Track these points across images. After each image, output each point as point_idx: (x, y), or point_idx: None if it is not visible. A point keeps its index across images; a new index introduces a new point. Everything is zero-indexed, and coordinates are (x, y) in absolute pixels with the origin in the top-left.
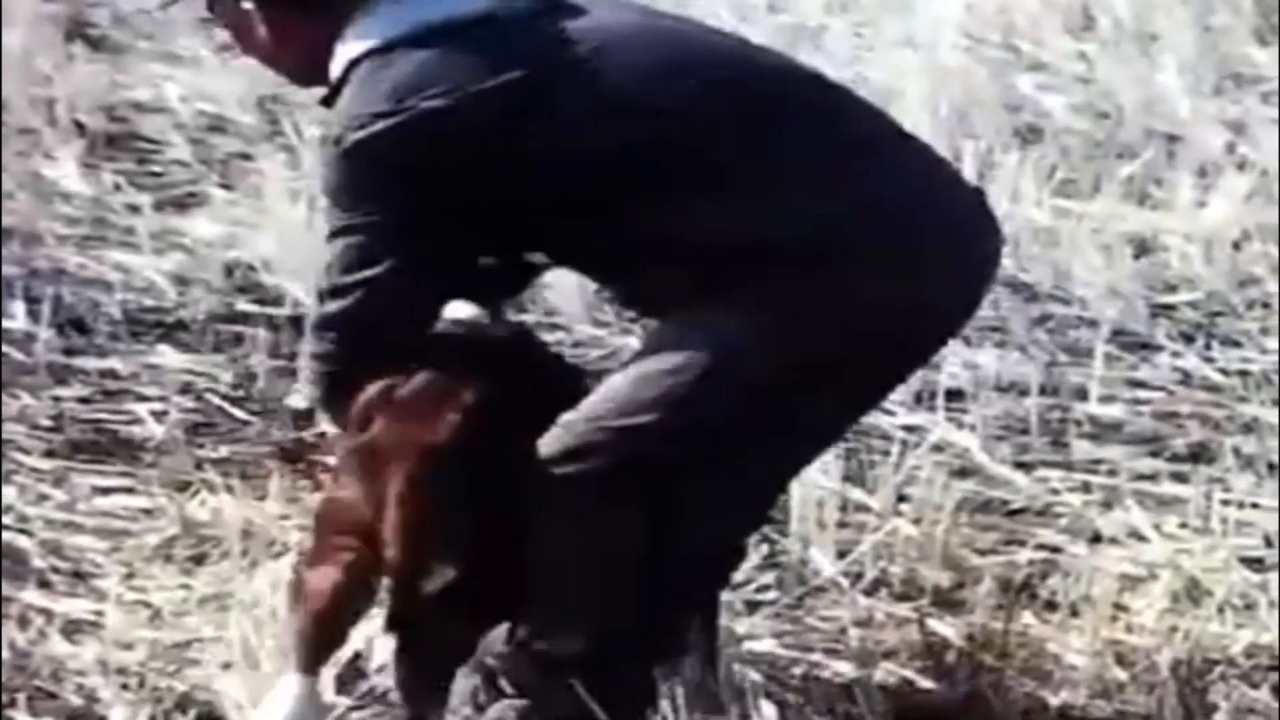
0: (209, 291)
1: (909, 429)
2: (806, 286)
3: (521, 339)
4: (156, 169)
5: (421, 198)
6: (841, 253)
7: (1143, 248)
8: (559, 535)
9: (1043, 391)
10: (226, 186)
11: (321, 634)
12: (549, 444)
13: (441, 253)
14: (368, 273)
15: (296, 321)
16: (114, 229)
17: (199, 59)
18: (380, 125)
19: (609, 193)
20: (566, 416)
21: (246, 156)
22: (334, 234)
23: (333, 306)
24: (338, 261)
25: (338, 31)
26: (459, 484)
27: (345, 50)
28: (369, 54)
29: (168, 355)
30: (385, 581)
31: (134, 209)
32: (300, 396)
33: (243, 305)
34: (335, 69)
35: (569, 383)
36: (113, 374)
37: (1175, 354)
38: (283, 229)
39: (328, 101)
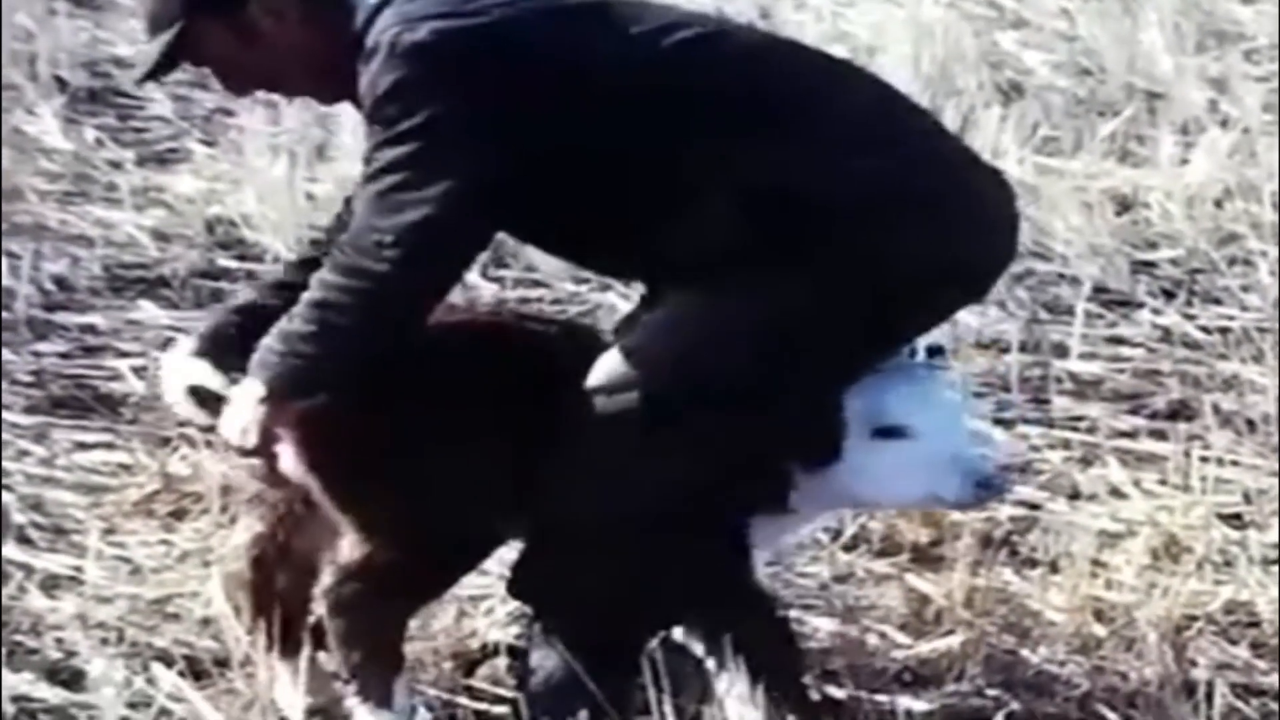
0: (190, 247)
1: None
2: (855, 241)
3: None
4: (138, 125)
5: (480, 108)
6: (889, 208)
7: (1124, 205)
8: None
9: (1023, 348)
10: (208, 143)
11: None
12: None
13: (497, 176)
14: (420, 193)
15: None
16: (95, 185)
17: None
18: (444, 24)
19: (664, 134)
20: (617, 369)
21: (228, 113)
22: (380, 146)
23: (374, 231)
24: (385, 176)
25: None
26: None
27: None
28: None
29: (148, 311)
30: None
31: (115, 165)
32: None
33: (224, 261)
34: (360, 15)
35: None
36: (93, 330)
37: (1156, 311)
38: (264, 185)
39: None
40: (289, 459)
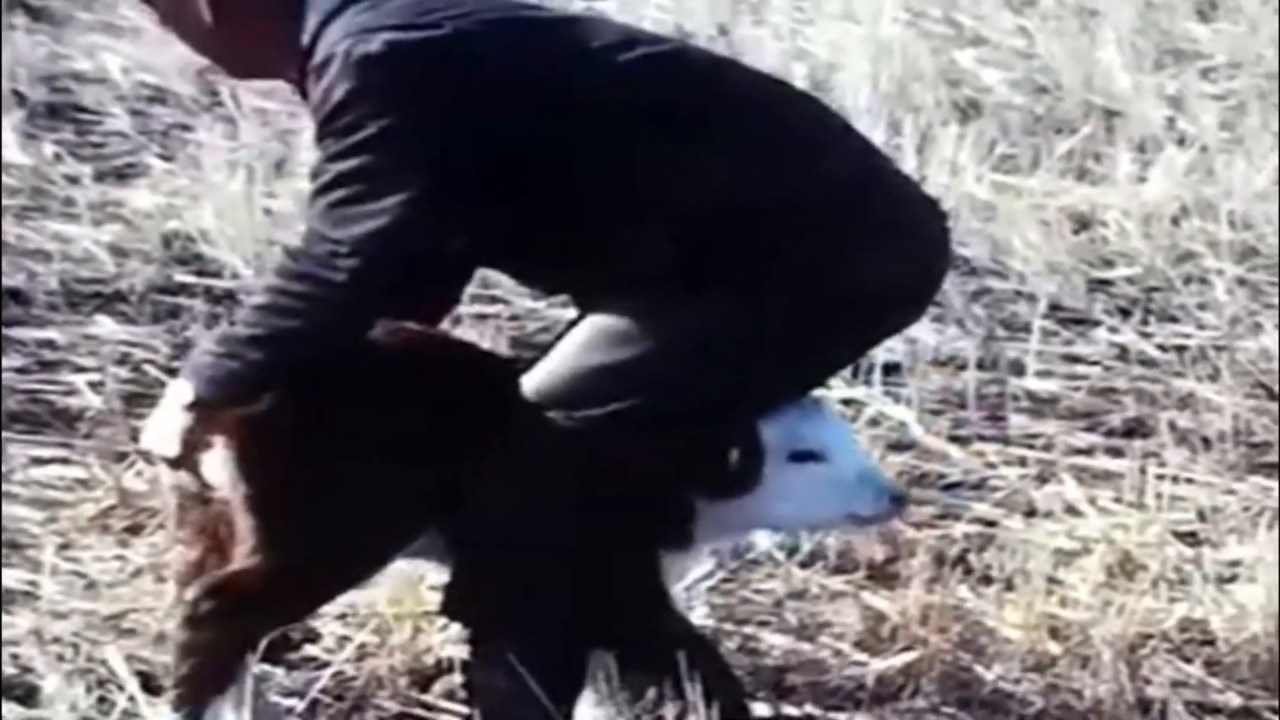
0: (147, 262)
1: (846, 402)
2: (790, 261)
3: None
4: (96, 140)
5: (435, 119)
6: (824, 228)
7: (1081, 223)
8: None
9: (980, 366)
10: (166, 158)
11: None
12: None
13: (452, 188)
14: (376, 204)
15: (234, 294)
16: (53, 199)
17: (139, 30)
18: (398, 35)
19: (611, 149)
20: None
21: (186, 128)
22: (333, 157)
23: (328, 241)
24: (339, 187)
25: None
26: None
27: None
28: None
29: (105, 326)
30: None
31: (73, 180)
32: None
33: (181, 276)
34: (311, 16)
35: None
36: (50, 344)
37: (1112, 329)
38: (221, 200)
39: (305, 53)
40: (213, 465)
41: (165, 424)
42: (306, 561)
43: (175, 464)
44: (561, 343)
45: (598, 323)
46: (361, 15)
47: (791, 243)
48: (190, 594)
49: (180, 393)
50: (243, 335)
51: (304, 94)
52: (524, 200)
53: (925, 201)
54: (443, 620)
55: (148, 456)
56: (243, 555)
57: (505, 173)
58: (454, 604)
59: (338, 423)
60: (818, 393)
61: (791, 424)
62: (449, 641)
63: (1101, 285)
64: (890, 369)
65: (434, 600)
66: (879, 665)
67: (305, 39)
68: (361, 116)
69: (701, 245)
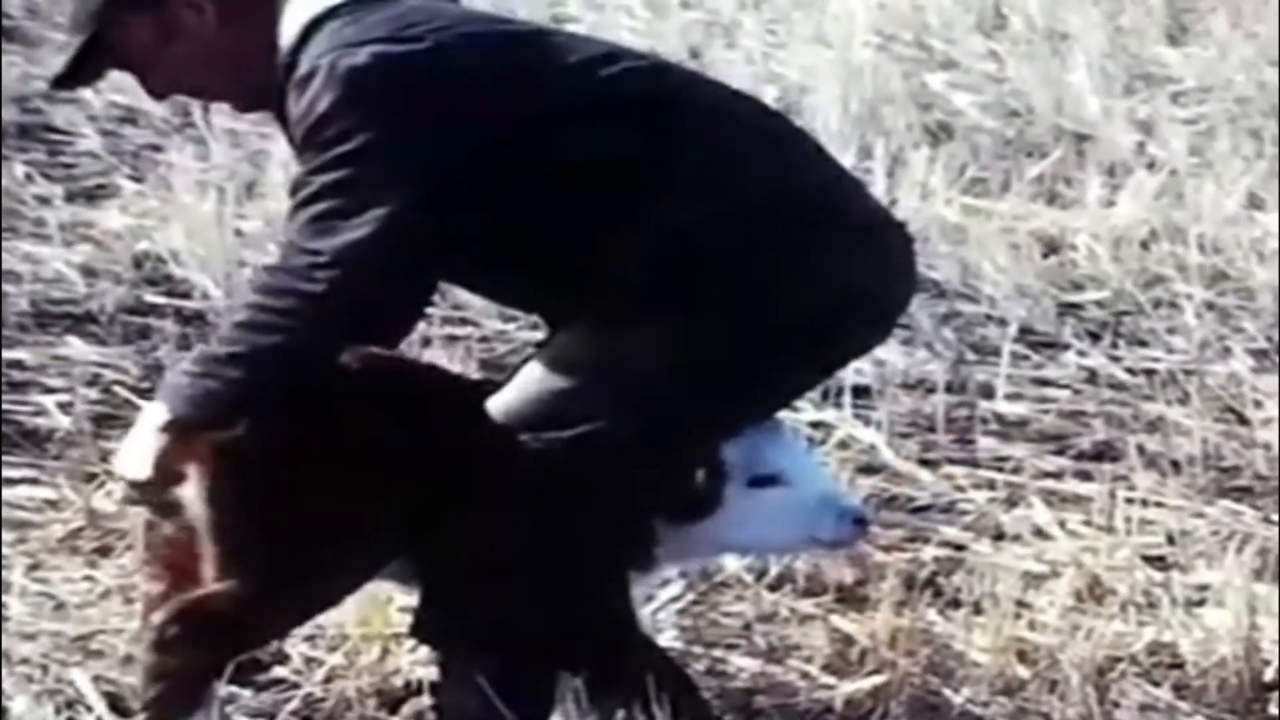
0: (117, 283)
1: (815, 425)
2: (756, 280)
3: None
4: (67, 160)
5: (419, 133)
6: (789, 247)
7: (1051, 246)
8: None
9: (949, 389)
10: (137, 178)
11: None
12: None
13: (435, 201)
14: (358, 216)
15: (204, 315)
16: (24, 220)
17: None
18: (383, 48)
19: (590, 163)
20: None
21: (157, 148)
22: (315, 170)
23: (306, 252)
24: (321, 200)
25: (275, 15)
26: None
27: (302, 10)
28: (335, 9)
29: (75, 347)
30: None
31: (44, 200)
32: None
33: (151, 297)
34: (290, 27)
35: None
36: (19, 365)
37: (1081, 353)
38: (192, 221)
39: (284, 71)
40: (185, 488)
41: (138, 446)
42: (276, 586)
43: (144, 487)
44: (527, 365)
45: (564, 345)
46: (344, 29)
47: (757, 263)
48: (158, 618)
49: (155, 414)
50: (221, 354)
51: (279, 111)
52: (503, 214)
53: (890, 224)
54: (411, 642)
55: (119, 479)
56: (211, 579)
57: (486, 185)
58: (423, 626)
59: (307, 447)
60: (780, 416)
61: (753, 448)
62: (418, 663)
63: (1071, 309)
64: (860, 392)
65: (403, 622)
66: (848, 688)
67: (283, 54)
68: (347, 128)
69: (670, 262)
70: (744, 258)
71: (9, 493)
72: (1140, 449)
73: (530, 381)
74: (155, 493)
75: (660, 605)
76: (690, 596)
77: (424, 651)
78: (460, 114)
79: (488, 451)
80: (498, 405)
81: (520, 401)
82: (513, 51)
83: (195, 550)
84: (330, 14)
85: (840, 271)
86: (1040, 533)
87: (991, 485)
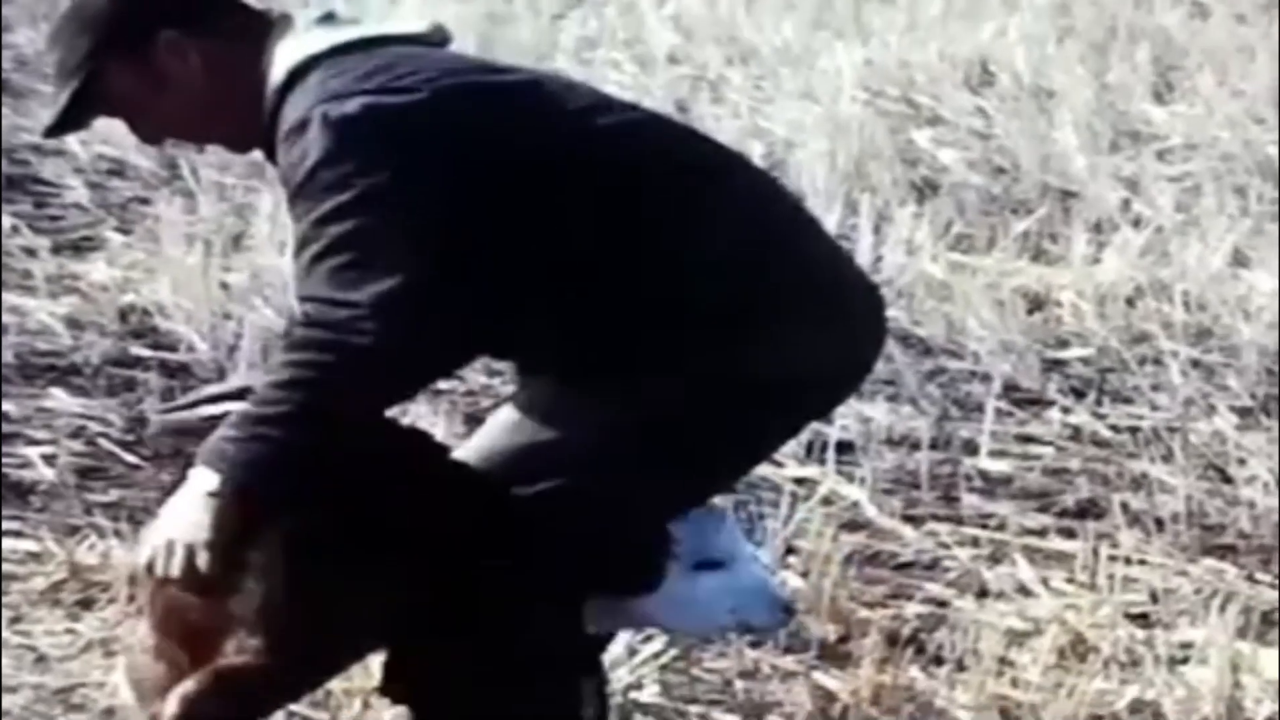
0: (103, 335)
1: (799, 481)
2: (725, 345)
3: None
4: (54, 212)
5: (420, 179)
6: (755, 310)
7: (1036, 303)
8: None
9: (933, 446)
10: (124, 231)
11: None
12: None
13: (437, 246)
14: (387, 262)
15: (189, 367)
16: (11, 271)
17: None
18: (373, 99)
19: (571, 213)
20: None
21: (144, 201)
22: (323, 221)
23: (344, 306)
24: (339, 252)
25: (260, 53)
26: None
27: (286, 56)
28: (322, 56)
29: (60, 398)
30: None
31: (30, 252)
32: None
33: (136, 350)
34: (276, 74)
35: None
36: (4, 417)
37: (1066, 410)
38: (178, 274)
39: (270, 115)
40: (250, 555)
41: (190, 514)
42: (308, 658)
43: (202, 553)
44: (490, 420)
45: (526, 401)
46: (333, 80)
47: (725, 325)
48: (191, 687)
49: (202, 481)
50: (269, 414)
51: (270, 153)
52: (499, 262)
53: (865, 289)
54: None
55: (99, 530)
56: (236, 651)
57: (485, 233)
58: (392, 684)
59: (327, 514)
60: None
61: (701, 531)
62: (398, 718)
63: (1056, 366)
64: (844, 447)
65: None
66: None
67: (270, 99)
68: (345, 175)
69: (644, 318)
70: (719, 319)
71: None
72: (1124, 506)
73: (492, 437)
74: (213, 561)
75: (642, 660)
76: (672, 652)
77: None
78: (458, 160)
79: (454, 509)
80: (460, 457)
81: (481, 457)
82: (505, 101)
83: (215, 616)
84: (315, 61)
85: (801, 343)
86: (1023, 590)
87: (975, 542)
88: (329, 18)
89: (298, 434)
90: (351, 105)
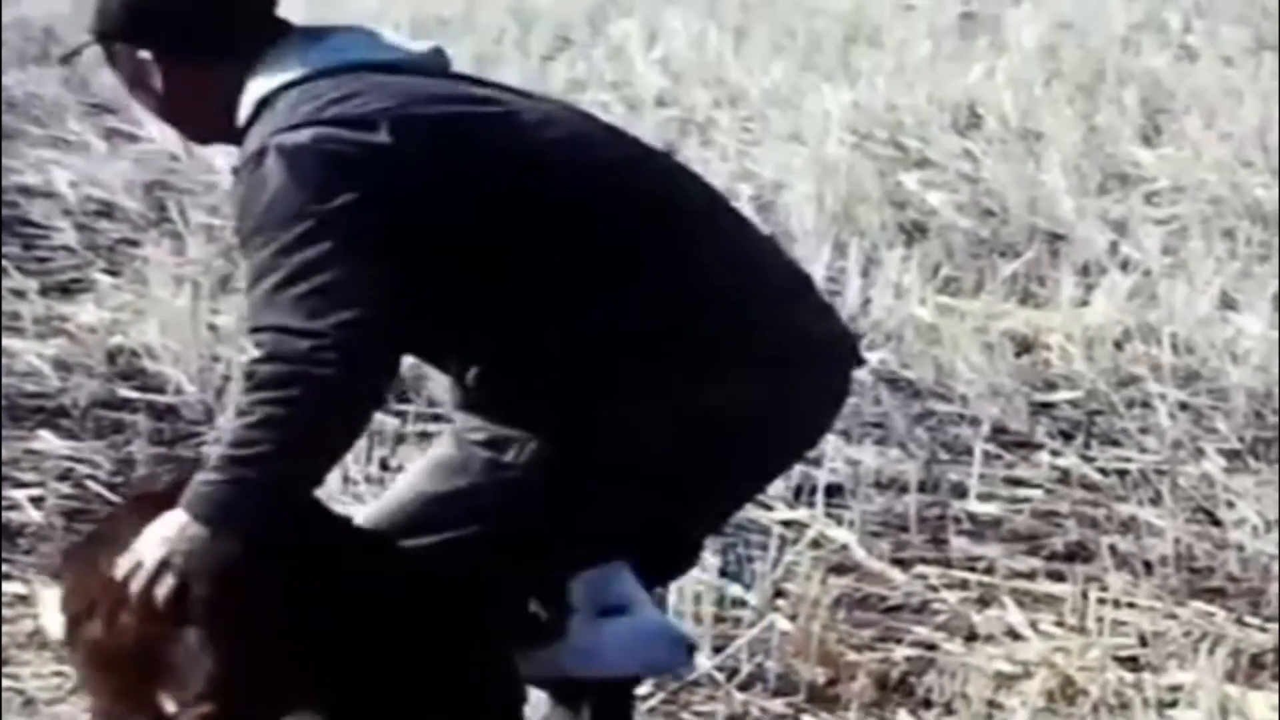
0: (91, 377)
1: (787, 524)
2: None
3: None
4: (43, 254)
5: (375, 205)
6: (704, 347)
7: (1025, 346)
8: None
9: (922, 488)
10: (112, 272)
11: None
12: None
13: (391, 277)
14: (347, 290)
15: (177, 409)
16: None
17: (87, 144)
18: (327, 130)
19: (513, 249)
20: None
21: (133, 243)
22: (284, 251)
23: (307, 336)
24: (301, 280)
25: (238, 81)
26: None
27: (256, 88)
28: (287, 85)
29: (48, 441)
30: None
31: (19, 294)
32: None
33: (124, 392)
34: (245, 108)
35: None
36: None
37: (1054, 452)
38: (166, 316)
39: (237, 139)
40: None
41: (155, 553)
42: (250, 704)
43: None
44: (407, 469)
45: (440, 451)
46: (296, 107)
47: (687, 359)
48: None
49: (175, 523)
50: (245, 455)
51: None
52: (447, 286)
53: (840, 342)
54: None
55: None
56: (188, 701)
57: (432, 260)
58: None
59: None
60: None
61: (600, 579)
62: None
63: (1044, 408)
64: (832, 490)
65: None
66: None
67: (240, 124)
68: (301, 205)
69: (588, 360)
70: (682, 353)
71: None
72: (1113, 549)
73: (406, 486)
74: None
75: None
76: (661, 695)
77: None
78: (408, 196)
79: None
80: (372, 511)
81: (393, 507)
82: (466, 134)
83: (151, 664)
84: (286, 88)
85: (755, 395)
86: (1012, 633)
87: (964, 585)
88: (319, 36)
89: (277, 472)
90: (304, 135)
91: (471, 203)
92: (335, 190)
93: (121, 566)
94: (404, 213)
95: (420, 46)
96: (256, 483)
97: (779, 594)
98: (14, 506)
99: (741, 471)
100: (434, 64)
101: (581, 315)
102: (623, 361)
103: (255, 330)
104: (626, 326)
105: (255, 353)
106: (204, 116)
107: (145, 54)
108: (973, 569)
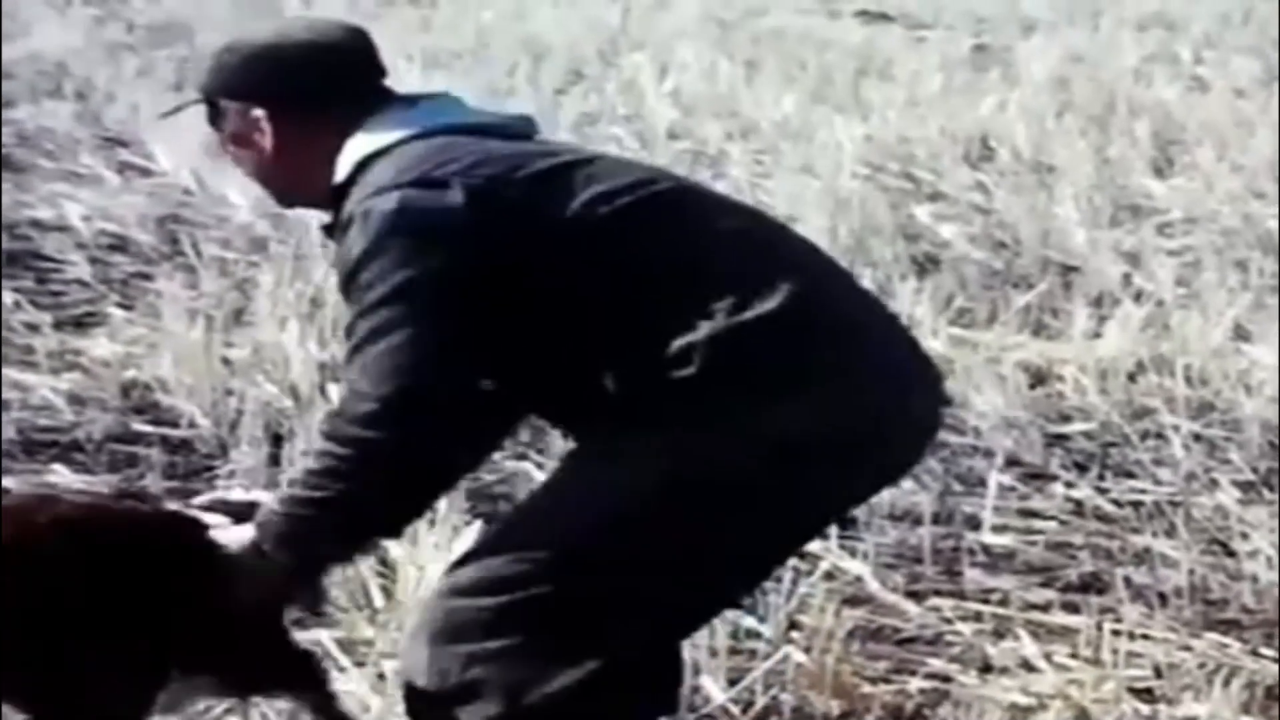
0: (105, 411)
1: (801, 556)
2: (759, 413)
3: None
4: (56, 288)
5: (451, 271)
6: (793, 374)
7: (1038, 377)
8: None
9: (936, 520)
10: (126, 306)
11: None
12: (465, 579)
13: (470, 336)
14: (403, 359)
15: (191, 443)
16: (12, 347)
17: (101, 178)
18: (412, 192)
19: (603, 292)
20: (482, 550)
21: (146, 276)
22: (360, 315)
23: (366, 397)
24: (369, 345)
25: (339, 142)
26: None
27: (355, 148)
28: (386, 149)
29: (62, 475)
30: None
31: (33, 328)
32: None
33: (138, 425)
34: (342, 168)
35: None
36: (6, 493)
37: (1068, 484)
38: (180, 349)
39: (334, 202)
40: None
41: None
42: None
43: None
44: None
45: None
46: (384, 171)
47: (766, 385)
48: None
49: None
50: (303, 496)
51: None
52: (525, 342)
53: (925, 376)
54: None
55: None
56: None
57: (513, 318)
58: None
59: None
60: None
61: None
62: None
63: (1058, 440)
64: (846, 523)
65: None
66: None
67: (337, 189)
68: (382, 270)
69: (665, 394)
70: (761, 379)
71: None
72: (1127, 581)
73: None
74: None
75: None
76: None
77: None
78: (489, 250)
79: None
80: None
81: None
82: (539, 189)
83: None
84: (380, 153)
85: (873, 424)
86: (1027, 665)
87: (978, 617)
88: (414, 102)
89: (333, 518)
90: (389, 200)
91: (546, 264)
92: (411, 257)
93: None
94: (479, 276)
95: (507, 112)
96: (312, 522)
97: (793, 626)
98: None
99: (833, 501)
100: (520, 128)
101: (685, 360)
102: (729, 396)
103: (345, 382)
104: (733, 363)
105: (335, 404)
106: (303, 176)
107: (259, 112)
108: (987, 601)
